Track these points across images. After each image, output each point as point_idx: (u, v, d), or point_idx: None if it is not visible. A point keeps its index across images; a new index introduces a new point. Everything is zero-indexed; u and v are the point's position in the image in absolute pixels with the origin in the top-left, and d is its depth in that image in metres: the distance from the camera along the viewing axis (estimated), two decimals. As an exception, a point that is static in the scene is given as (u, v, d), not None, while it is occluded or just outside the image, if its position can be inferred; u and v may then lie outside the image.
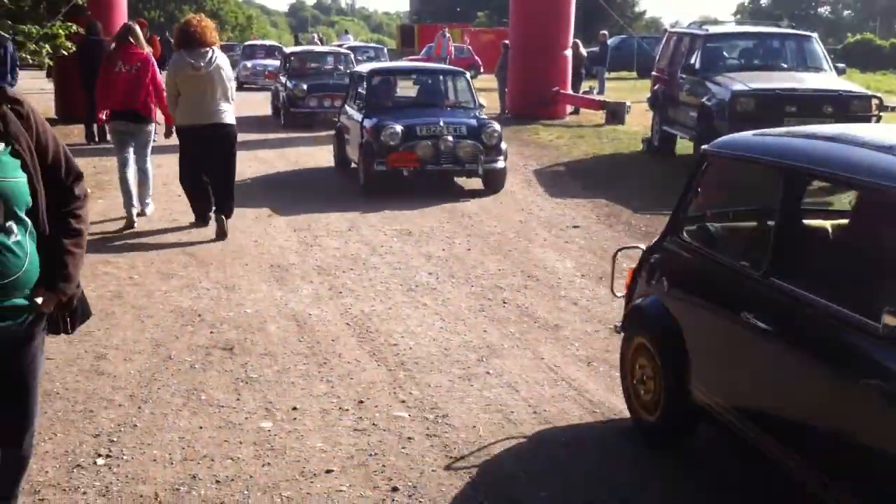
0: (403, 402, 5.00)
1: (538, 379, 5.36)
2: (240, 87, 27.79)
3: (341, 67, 19.32)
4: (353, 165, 11.95)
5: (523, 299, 6.96)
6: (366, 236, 8.97)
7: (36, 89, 20.05)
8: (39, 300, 3.06)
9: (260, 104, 21.63)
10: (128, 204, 9.17)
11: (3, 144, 2.92)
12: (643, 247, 4.87)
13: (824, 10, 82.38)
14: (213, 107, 8.63)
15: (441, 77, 13.00)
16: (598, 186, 11.56)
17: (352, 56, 20.02)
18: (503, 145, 11.07)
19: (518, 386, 5.25)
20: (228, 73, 8.83)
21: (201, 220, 9.23)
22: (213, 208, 9.01)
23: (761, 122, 10.84)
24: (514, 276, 7.63)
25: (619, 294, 4.95)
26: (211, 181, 8.94)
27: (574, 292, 7.16)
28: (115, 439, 4.50)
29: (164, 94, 9.10)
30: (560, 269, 7.85)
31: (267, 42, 40.25)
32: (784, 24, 17.64)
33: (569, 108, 19.54)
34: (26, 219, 2.98)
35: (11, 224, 2.92)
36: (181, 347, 5.78)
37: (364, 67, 13.22)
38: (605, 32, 27.79)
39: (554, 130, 16.87)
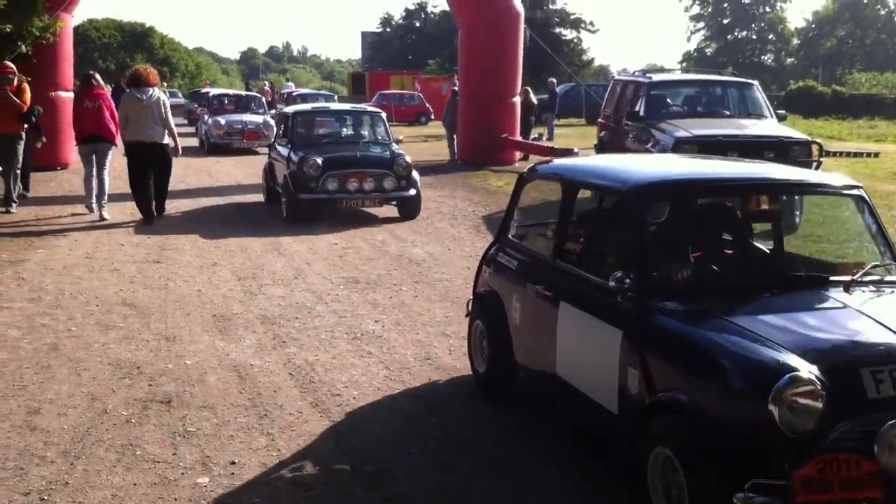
0: (345, 454, 4.90)
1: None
2: (211, 151, 22.67)
3: (365, 133, 13.94)
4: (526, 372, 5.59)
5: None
6: (312, 284, 8.88)
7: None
8: None
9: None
10: (88, 198, 12.39)
11: None
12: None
13: (768, 58, 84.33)
14: (152, 129, 11.78)
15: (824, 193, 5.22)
16: (546, 232, 11.58)
17: (383, 115, 14.38)
18: None
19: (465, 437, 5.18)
20: (166, 106, 11.92)
21: (147, 219, 12.01)
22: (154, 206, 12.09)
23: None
24: (461, 323, 7.56)
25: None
26: (152, 184, 11.99)
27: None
28: (45, 497, 4.35)
29: (116, 120, 12.31)
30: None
31: (242, 92, 31.54)
32: (727, 72, 18.00)
33: (518, 155, 19.70)
34: None
35: None
36: (117, 401, 5.64)
37: (638, 171, 5.06)
38: (554, 80, 28.13)
39: (503, 177, 16.96)
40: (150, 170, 11.93)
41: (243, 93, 29.52)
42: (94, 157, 12.27)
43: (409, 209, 12.64)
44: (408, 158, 12.62)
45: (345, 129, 14.35)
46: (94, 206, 12.35)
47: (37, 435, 5.08)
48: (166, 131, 11.98)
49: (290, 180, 12.31)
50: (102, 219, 12.17)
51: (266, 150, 21.01)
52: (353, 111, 15.04)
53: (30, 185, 14.27)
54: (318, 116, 14.64)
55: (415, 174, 12.61)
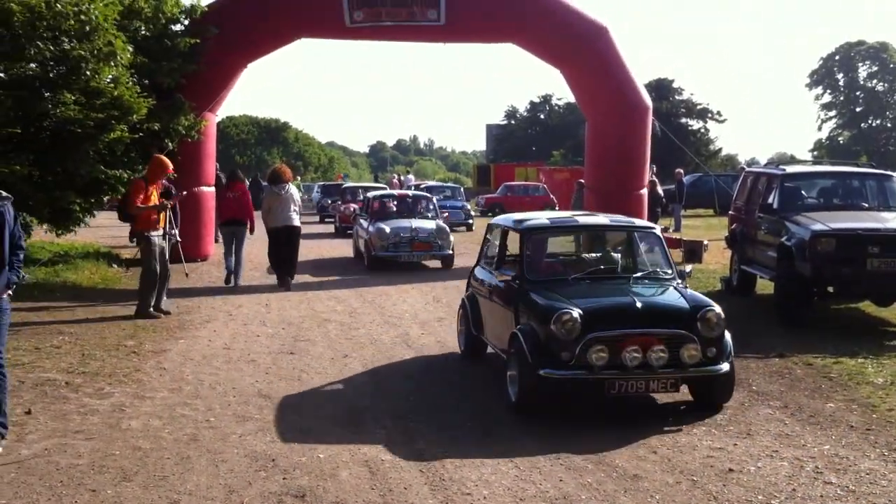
0: (477, 556, 4.84)
1: (617, 534, 5.16)
2: (373, 266, 17.69)
3: (627, 260, 8.97)
4: None
5: (601, 447, 6.78)
6: (442, 378, 8.91)
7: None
8: None
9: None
10: (228, 275, 15.32)
11: None
12: None
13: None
14: (287, 214, 15.17)
15: None
16: (676, 327, 11.36)
17: (658, 231, 9.06)
18: None
19: (596, 541, 5.05)
20: (297, 198, 15.57)
21: (282, 284, 15.19)
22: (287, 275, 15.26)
23: (843, 264, 10.76)
24: (588, 420, 7.46)
25: None
26: (284, 258, 15.30)
27: (654, 440, 6.96)
28: (184, 591, 4.44)
29: (252, 209, 15.61)
30: (639, 416, 7.65)
31: (409, 191, 26.33)
32: (864, 163, 17.50)
33: (645, 247, 19.50)
34: None
35: None
36: (254, 494, 5.74)
37: None
38: (681, 170, 27.98)
39: (631, 269, 16.77)
40: (285, 247, 15.24)
41: (410, 192, 24.23)
42: (233, 238, 15.36)
43: (719, 393, 7.72)
44: (718, 309, 7.55)
45: (588, 253, 9.47)
46: (232, 278, 15.20)
47: (177, 526, 5.21)
48: (297, 216, 15.41)
49: (527, 344, 7.44)
50: (237, 286, 15.08)
51: (438, 263, 18.03)
52: (605, 226, 9.39)
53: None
54: (553, 235, 9.39)
55: (727, 336, 7.64)
